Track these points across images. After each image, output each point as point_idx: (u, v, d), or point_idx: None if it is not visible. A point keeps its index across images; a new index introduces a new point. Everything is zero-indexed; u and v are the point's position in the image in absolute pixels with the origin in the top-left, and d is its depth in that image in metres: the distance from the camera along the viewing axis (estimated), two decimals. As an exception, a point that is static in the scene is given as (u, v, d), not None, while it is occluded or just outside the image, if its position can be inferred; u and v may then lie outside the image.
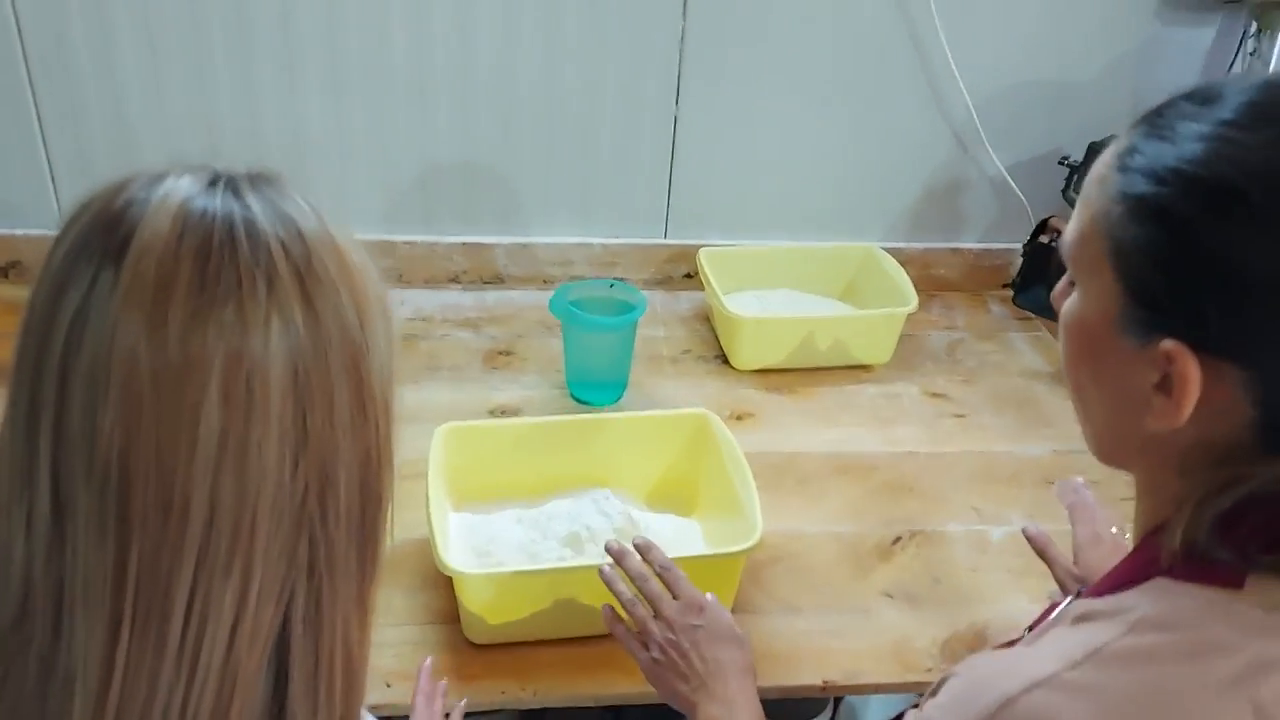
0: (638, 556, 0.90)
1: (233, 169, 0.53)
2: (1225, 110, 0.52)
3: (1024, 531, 0.96)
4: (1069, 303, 0.60)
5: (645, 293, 1.42)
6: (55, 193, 1.54)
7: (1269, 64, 1.54)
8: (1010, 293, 1.66)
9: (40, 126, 1.49)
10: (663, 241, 1.68)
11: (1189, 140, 0.52)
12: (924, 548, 1.21)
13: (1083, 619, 0.56)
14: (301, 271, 0.50)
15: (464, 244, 1.64)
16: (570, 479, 1.18)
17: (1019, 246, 1.65)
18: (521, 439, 1.17)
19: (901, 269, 1.58)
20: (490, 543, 1.07)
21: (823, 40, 1.56)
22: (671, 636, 0.85)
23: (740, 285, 1.61)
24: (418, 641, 1.03)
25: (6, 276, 1.57)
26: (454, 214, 1.63)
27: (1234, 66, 1.62)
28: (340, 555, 0.52)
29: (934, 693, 0.58)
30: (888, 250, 1.63)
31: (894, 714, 0.66)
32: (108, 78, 1.46)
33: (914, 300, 1.49)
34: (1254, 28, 1.55)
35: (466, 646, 1.02)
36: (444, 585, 1.07)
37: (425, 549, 1.12)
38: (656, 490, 1.22)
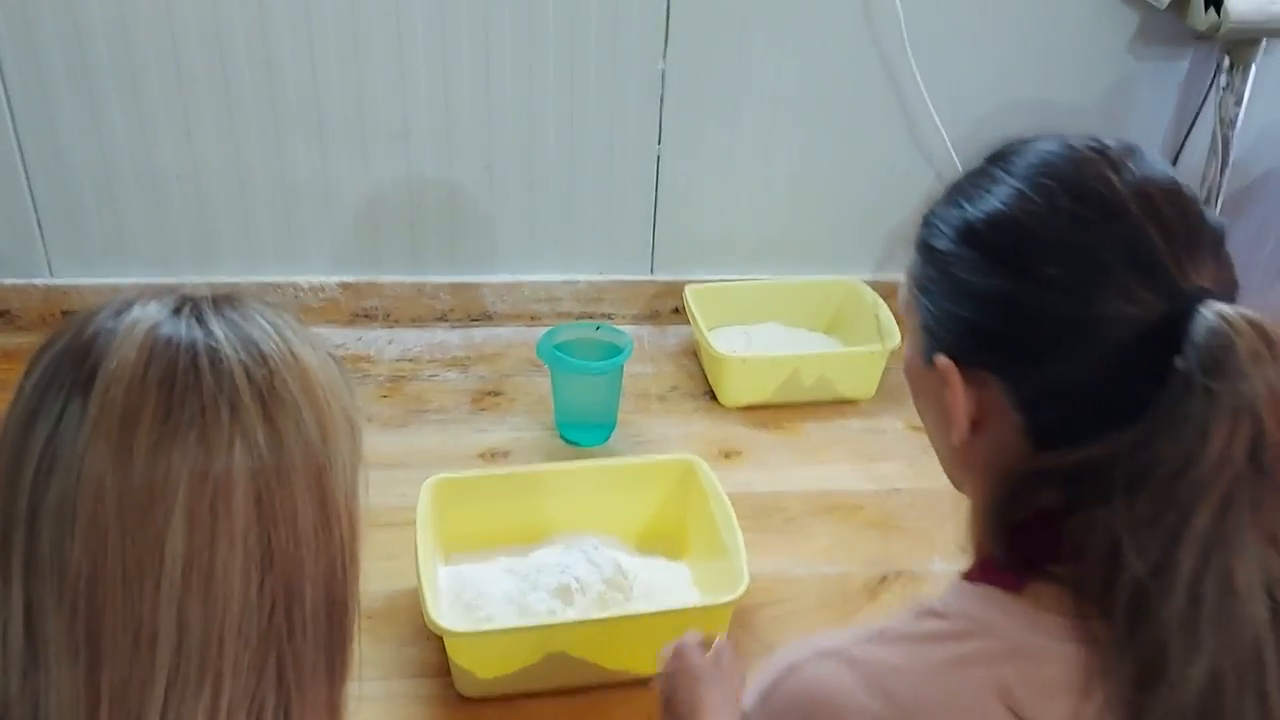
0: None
1: (198, 292, 0.55)
2: (994, 170, 0.61)
3: None
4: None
5: (632, 328, 1.44)
6: (42, 241, 1.54)
7: (1241, 98, 1.57)
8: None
9: (26, 175, 1.49)
10: (649, 278, 1.70)
11: (960, 195, 0.62)
12: (909, 587, 1.22)
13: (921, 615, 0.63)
14: (264, 394, 0.51)
15: (451, 283, 1.65)
16: (559, 525, 1.19)
17: (1000, 278, 1.67)
18: (509, 488, 1.18)
19: (883, 302, 1.59)
20: (480, 596, 1.08)
21: (800, 78, 1.58)
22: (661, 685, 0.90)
23: (726, 320, 1.62)
24: (407, 695, 1.03)
25: (-6, 324, 1.58)
26: (440, 253, 1.64)
27: (1206, 100, 1.65)
28: (308, 664, 0.53)
29: None
30: (871, 283, 1.65)
31: None
32: (92, 133, 1.47)
33: (898, 336, 1.51)
34: (1226, 62, 1.58)
35: (457, 701, 1.03)
36: (433, 639, 1.07)
37: (414, 601, 1.13)
38: (646, 533, 1.23)
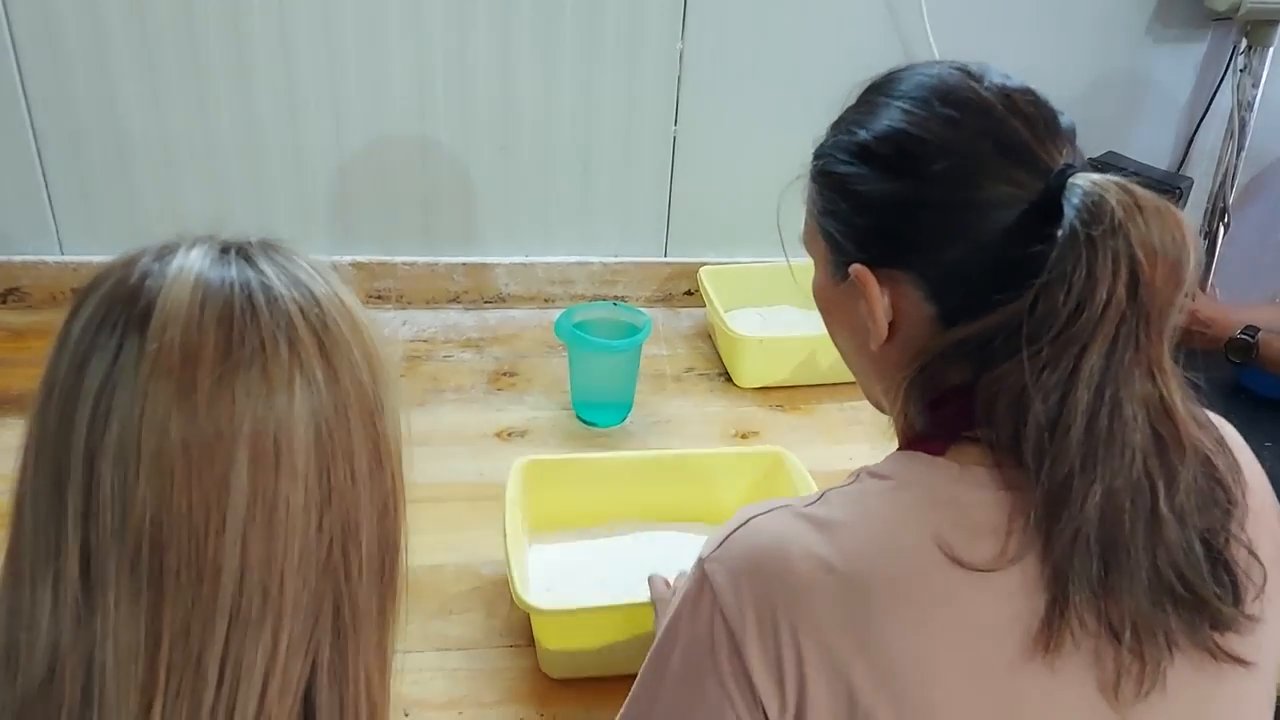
0: None
1: (239, 238, 0.55)
2: (874, 96, 0.70)
3: None
4: (812, 282, 0.76)
5: (645, 310, 1.43)
6: (54, 218, 1.53)
7: (1258, 80, 1.57)
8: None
9: (38, 151, 1.48)
10: (663, 259, 1.69)
11: (848, 122, 0.70)
12: (932, 565, 1.21)
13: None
14: (319, 333, 0.51)
15: (464, 264, 1.64)
16: (645, 513, 1.19)
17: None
18: (594, 472, 1.18)
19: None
20: (564, 578, 1.09)
21: (818, 58, 1.57)
22: None
23: (741, 302, 1.61)
24: (434, 668, 1.03)
25: (5, 303, 1.56)
26: (454, 234, 1.63)
27: (1223, 82, 1.65)
28: (363, 605, 0.54)
29: None
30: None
31: None
32: (105, 107, 1.46)
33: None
34: (1244, 44, 1.58)
35: (490, 674, 1.02)
36: (467, 608, 1.07)
37: (437, 576, 1.13)
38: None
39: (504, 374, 1.51)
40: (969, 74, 0.68)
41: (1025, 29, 1.58)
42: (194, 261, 0.51)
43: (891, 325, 0.67)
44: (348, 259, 1.61)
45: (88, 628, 0.48)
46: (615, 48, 1.52)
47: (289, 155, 1.52)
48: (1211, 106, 1.67)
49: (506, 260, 1.65)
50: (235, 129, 1.50)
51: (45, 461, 0.50)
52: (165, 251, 0.52)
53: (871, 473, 0.65)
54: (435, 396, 1.44)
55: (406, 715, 0.98)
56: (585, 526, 1.18)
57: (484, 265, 1.64)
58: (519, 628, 1.08)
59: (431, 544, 1.17)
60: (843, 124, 0.71)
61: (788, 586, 0.60)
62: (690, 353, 1.59)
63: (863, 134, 0.68)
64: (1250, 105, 1.59)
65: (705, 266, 1.60)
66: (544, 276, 1.67)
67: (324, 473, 0.51)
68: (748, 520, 0.64)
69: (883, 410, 0.75)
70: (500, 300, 1.67)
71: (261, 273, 0.52)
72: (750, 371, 1.51)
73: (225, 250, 0.53)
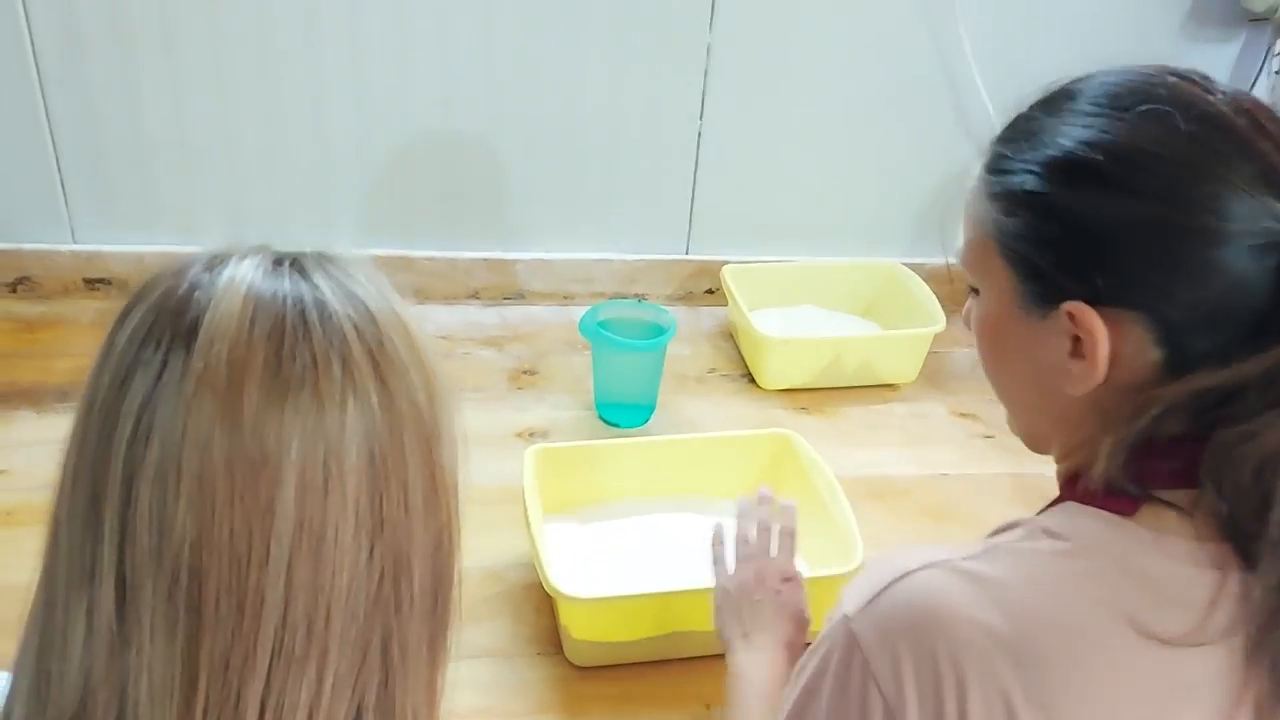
0: (770, 508, 0.97)
1: (294, 249, 0.52)
2: (1077, 104, 0.60)
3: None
4: (973, 307, 0.67)
5: (666, 309, 1.40)
6: (66, 206, 1.50)
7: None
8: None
9: (52, 137, 1.45)
10: (685, 257, 1.67)
11: (1045, 133, 0.60)
12: (964, 574, 1.19)
13: (998, 532, 0.61)
14: (374, 352, 0.48)
15: (485, 259, 1.61)
16: (656, 498, 1.20)
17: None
18: (604, 459, 1.19)
19: (925, 286, 1.56)
20: (582, 564, 1.09)
21: (847, 55, 1.54)
22: (751, 584, 0.91)
23: (764, 302, 1.59)
24: (460, 678, 1.00)
25: (15, 291, 1.53)
26: (475, 229, 1.60)
27: (1258, 82, 1.62)
28: (414, 642, 0.51)
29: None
30: (912, 265, 1.62)
31: None
32: (121, 91, 1.43)
33: (942, 320, 1.48)
34: (1278, 45, 1.55)
35: (512, 681, 1.00)
36: (493, 615, 1.04)
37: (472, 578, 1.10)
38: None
39: (525, 372, 1.48)
40: (1194, 82, 0.59)
41: (1059, 26, 1.55)
42: (245, 273, 0.48)
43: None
44: (368, 253, 1.58)
45: (121, 659, 0.45)
46: (642, 41, 1.49)
47: (310, 146, 1.50)
48: (1254, 89, 1.64)
49: (527, 256, 1.62)
50: (256, 117, 1.47)
51: (83, 481, 0.47)
52: (216, 261, 0.49)
53: (1050, 531, 0.58)
54: (457, 396, 1.41)
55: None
56: (596, 508, 1.19)
57: (505, 261, 1.62)
58: (547, 634, 1.05)
59: (472, 545, 1.14)
60: (1043, 135, 0.60)
61: (953, 653, 0.54)
62: (713, 353, 1.57)
63: (1085, 150, 0.57)
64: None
65: (728, 265, 1.58)
66: (564, 274, 1.64)
67: (376, 501, 0.47)
68: (901, 577, 0.57)
69: (1039, 450, 0.68)
70: (520, 297, 1.64)
71: (316, 287, 0.48)
72: (774, 373, 1.48)
73: (279, 262, 0.49)
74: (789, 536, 0.95)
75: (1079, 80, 0.62)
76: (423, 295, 1.61)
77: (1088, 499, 0.58)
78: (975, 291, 0.66)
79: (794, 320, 1.59)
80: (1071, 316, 0.58)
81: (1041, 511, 0.62)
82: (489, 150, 1.54)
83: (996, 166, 0.62)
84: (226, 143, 1.47)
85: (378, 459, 0.47)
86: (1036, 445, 0.68)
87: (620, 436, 1.28)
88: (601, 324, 1.34)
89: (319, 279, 0.49)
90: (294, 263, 0.50)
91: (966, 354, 1.61)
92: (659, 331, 1.35)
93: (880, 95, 1.58)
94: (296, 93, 1.46)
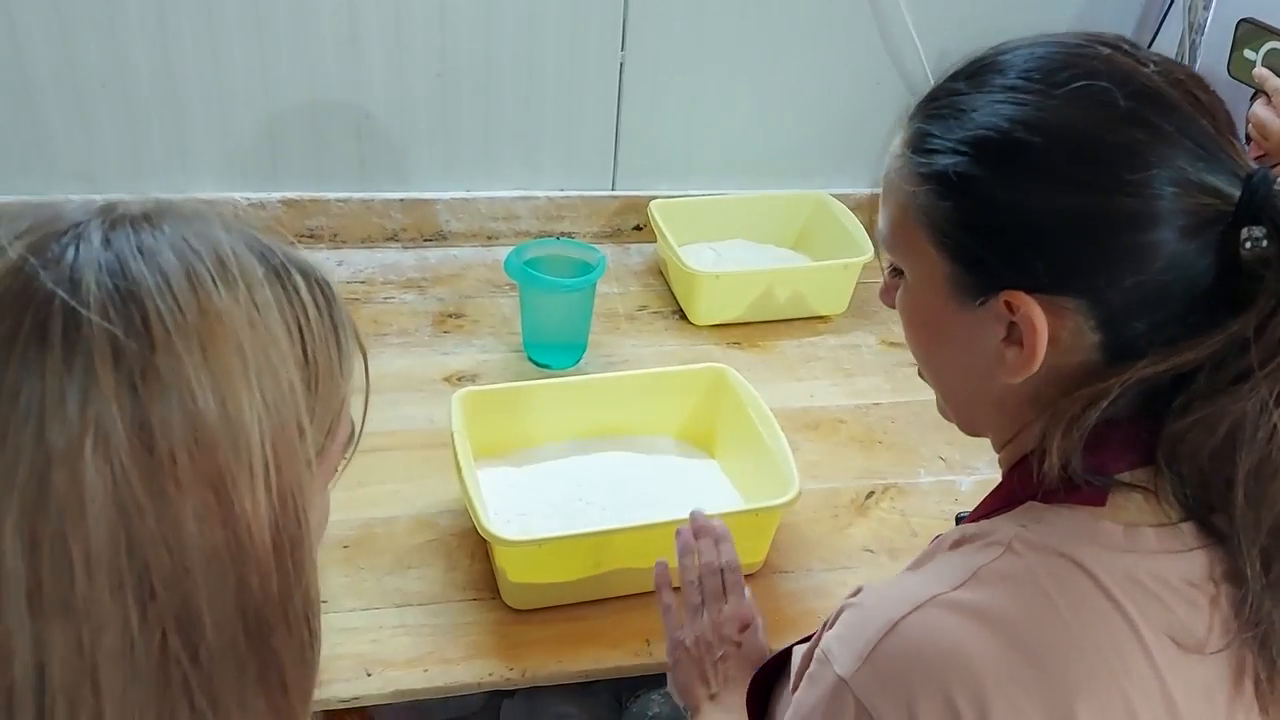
0: (709, 544, 0.89)
1: (121, 207, 0.45)
2: (1006, 78, 0.56)
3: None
4: (900, 292, 0.63)
5: (595, 247, 1.37)
6: None
7: (1209, 1, 1.55)
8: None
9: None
10: (611, 193, 1.63)
11: (974, 111, 0.56)
12: (898, 500, 1.20)
13: (959, 543, 0.59)
14: (132, 362, 0.40)
15: (402, 199, 1.55)
16: (587, 436, 1.18)
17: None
18: (534, 399, 1.16)
19: (853, 216, 1.55)
20: (514, 506, 1.08)
21: (772, -20, 1.51)
22: (709, 638, 0.85)
23: (693, 237, 1.56)
24: (394, 626, 0.98)
25: None
26: (390, 168, 1.54)
27: (1173, 3, 1.63)
28: (228, 682, 0.44)
29: (830, 624, 0.59)
30: (839, 196, 1.61)
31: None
32: (6, 26, 1.32)
33: (870, 249, 1.47)
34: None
35: (447, 628, 0.98)
36: (425, 562, 1.02)
37: (391, 530, 1.08)
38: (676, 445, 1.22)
39: (450, 315, 1.44)
40: (1126, 53, 0.56)
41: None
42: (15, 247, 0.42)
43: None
44: (276, 196, 1.51)
45: None
46: (558, -33, 1.43)
47: (209, 82, 1.41)
48: (1161, 28, 1.65)
49: (446, 195, 1.57)
50: (152, 56, 1.38)
51: None
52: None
53: (1028, 543, 0.55)
54: (378, 341, 1.37)
55: (369, 675, 0.93)
56: (529, 451, 1.16)
57: (423, 201, 1.56)
58: (481, 580, 1.03)
59: (383, 496, 1.11)
60: (972, 112, 0.56)
61: (973, 693, 0.51)
62: (642, 290, 1.54)
63: (1021, 131, 0.54)
64: (1201, 28, 1.57)
65: (656, 200, 1.55)
66: (486, 212, 1.59)
67: (137, 557, 0.40)
68: (895, 625, 0.54)
69: (973, 434, 0.66)
70: (441, 238, 1.59)
71: (76, 275, 0.41)
72: (706, 308, 1.46)
73: (62, 233, 0.43)
74: (734, 572, 0.88)
75: (1002, 51, 0.58)
76: (337, 239, 1.55)
77: (1051, 498, 0.57)
78: (898, 272, 0.63)
79: (725, 255, 1.57)
80: (1010, 305, 0.56)
81: (996, 513, 0.60)
82: (402, 85, 1.47)
83: (921, 145, 0.58)
84: (122, 83, 1.38)
85: (129, 505, 0.40)
86: (971, 429, 0.66)
87: (551, 377, 1.25)
88: (528, 263, 1.31)
89: (85, 266, 0.42)
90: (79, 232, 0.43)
91: (895, 283, 1.62)
92: (587, 269, 1.32)
93: (806, 23, 1.55)
94: (194, 27, 1.37)
